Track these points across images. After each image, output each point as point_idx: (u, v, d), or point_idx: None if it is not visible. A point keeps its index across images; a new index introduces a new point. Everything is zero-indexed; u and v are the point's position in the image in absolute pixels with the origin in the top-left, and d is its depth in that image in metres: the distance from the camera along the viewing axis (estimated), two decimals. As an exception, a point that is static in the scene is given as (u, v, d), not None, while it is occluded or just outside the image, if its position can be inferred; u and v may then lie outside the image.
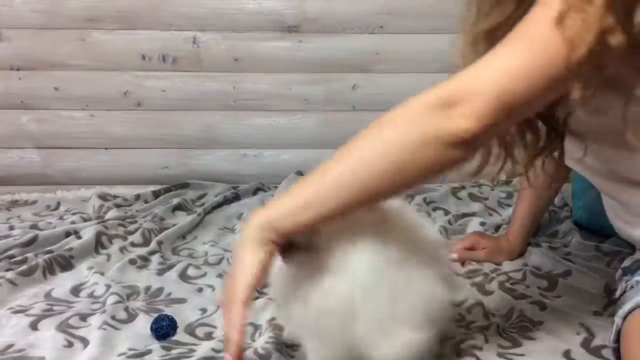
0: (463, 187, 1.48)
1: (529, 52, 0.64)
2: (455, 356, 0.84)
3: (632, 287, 0.82)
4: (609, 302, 0.95)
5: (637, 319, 0.76)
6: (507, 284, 1.04)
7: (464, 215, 1.34)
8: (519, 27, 0.65)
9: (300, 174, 1.53)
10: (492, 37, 0.71)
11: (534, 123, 0.79)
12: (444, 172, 0.68)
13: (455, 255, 1.12)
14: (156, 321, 0.89)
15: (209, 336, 0.89)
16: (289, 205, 0.69)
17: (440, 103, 0.65)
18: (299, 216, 0.68)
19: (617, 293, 0.85)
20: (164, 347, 0.86)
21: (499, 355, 0.84)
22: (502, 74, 0.64)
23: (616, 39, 0.61)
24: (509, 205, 1.37)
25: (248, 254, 0.68)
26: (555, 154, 0.83)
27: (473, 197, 1.43)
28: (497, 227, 1.27)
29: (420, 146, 0.65)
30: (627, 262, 0.88)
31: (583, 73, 0.63)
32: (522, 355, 0.84)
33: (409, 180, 0.68)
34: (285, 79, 1.53)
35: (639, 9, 0.61)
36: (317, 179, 0.69)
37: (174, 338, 0.89)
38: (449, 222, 1.30)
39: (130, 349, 0.85)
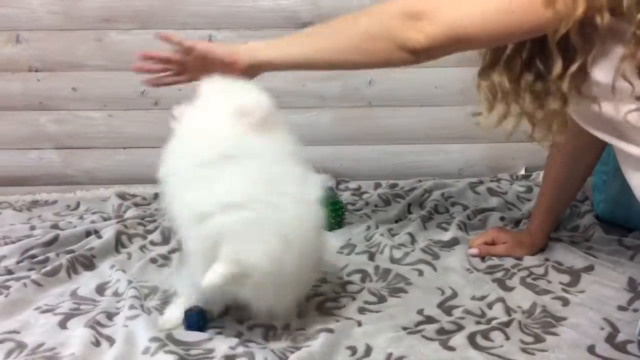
0: (481, 182, 1.47)
1: (502, 11, 0.76)
2: (475, 352, 0.83)
3: None
4: (633, 296, 0.94)
5: None
6: (529, 279, 1.03)
7: (483, 210, 1.33)
8: None
9: (317, 170, 1.53)
10: None
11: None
12: (389, 66, 0.88)
13: (475, 250, 1.12)
14: (187, 315, 0.89)
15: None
16: (269, 43, 0.92)
17: (409, 13, 0.81)
18: (271, 52, 0.91)
19: None
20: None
21: (522, 350, 0.83)
22: (466, 12, 0.78)
23: (602, 18, 0.73)
24: (529, 200, 1.36)
25: None
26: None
27: (492, 192, 1.42)
28: (517, 222, 1.26)
29: (380, 39, 0.84)
30: None
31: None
32: (545, 350, 0.83)
33: (363, 60, 0.87)
34: (300, 75, 1.53)
35: None
36: (302, 34, 0.93)
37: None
38: (468, 217, 1.29)
39: (152, 339, 0.84)
